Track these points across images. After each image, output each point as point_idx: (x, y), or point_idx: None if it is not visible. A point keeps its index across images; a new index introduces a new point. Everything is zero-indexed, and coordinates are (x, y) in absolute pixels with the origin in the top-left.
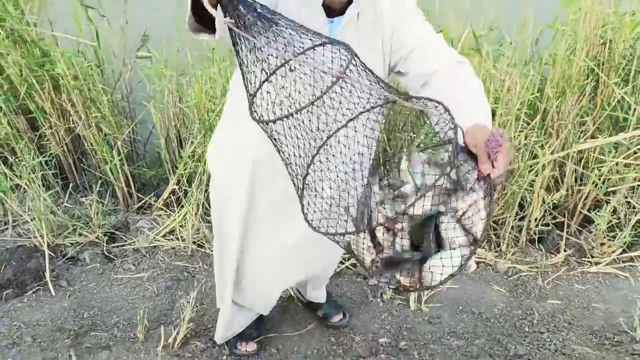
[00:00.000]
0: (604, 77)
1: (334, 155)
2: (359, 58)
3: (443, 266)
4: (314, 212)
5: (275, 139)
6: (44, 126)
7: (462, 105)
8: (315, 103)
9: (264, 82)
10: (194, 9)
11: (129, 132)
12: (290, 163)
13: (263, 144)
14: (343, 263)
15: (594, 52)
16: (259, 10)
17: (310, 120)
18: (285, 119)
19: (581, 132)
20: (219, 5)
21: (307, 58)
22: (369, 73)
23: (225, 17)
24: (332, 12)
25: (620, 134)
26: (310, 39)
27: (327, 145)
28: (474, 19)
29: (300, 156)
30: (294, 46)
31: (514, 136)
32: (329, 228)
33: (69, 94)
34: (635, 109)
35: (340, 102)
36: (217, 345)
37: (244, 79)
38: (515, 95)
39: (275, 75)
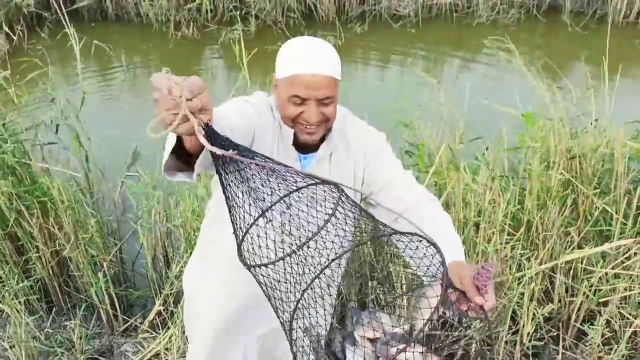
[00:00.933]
0: (582, 189)
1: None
2: (346, 195)
3: None
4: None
5: (262, 283)
6: (31, 250)
7: (438, 241)
8: (307, 244)
9: (258, 217)
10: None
11: (117, 251)
12: (278, 308)
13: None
14: None
15: (567, 166)
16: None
17: (304, 259)
18: (276, 263)
19: (567, 243)
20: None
21: (301, 195)
22: (357, 208)
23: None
24: (305, 148)
25: (605, 244)
26: (302, 178)
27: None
28: (450, 134)
29: (288, 296)
30: (288, 183)
31: (500, 249)
32: None
33: (56, 217)
34: (617, 219)
35: (332, 242)
36: None
37: (233, 222)
38: (498, 208)
39: (271, 213)
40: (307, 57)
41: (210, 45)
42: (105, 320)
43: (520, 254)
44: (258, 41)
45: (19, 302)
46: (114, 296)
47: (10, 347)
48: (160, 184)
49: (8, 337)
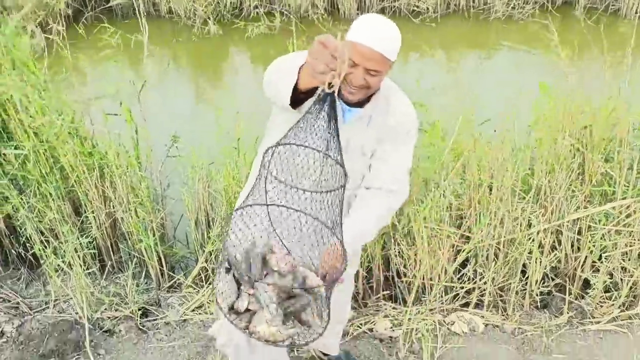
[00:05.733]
0: (589, 155)
1: None
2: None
3: None
4: None
5: None
6: (87, 211)
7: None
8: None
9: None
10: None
11: (162, 215)
12: None
13: None
14: (360, 327)
15: (576, 135)
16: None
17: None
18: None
19: (574, 205)
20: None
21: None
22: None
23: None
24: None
25: (608, 204)
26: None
27: None
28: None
29: None
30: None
31: (511, 210)
32: None
33: (112, 181)
34: (619, 182)
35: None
36: None
37: None
38: (510, 170)
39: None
40: (371, 32)
41: (235, 40)
42: (153, 276)
43: (529, 212)
44: (282, 37)
45: (78, 257)
46: (161, 254)
47: (74, 296)
48: (200, 157)
49: (71, 287)
